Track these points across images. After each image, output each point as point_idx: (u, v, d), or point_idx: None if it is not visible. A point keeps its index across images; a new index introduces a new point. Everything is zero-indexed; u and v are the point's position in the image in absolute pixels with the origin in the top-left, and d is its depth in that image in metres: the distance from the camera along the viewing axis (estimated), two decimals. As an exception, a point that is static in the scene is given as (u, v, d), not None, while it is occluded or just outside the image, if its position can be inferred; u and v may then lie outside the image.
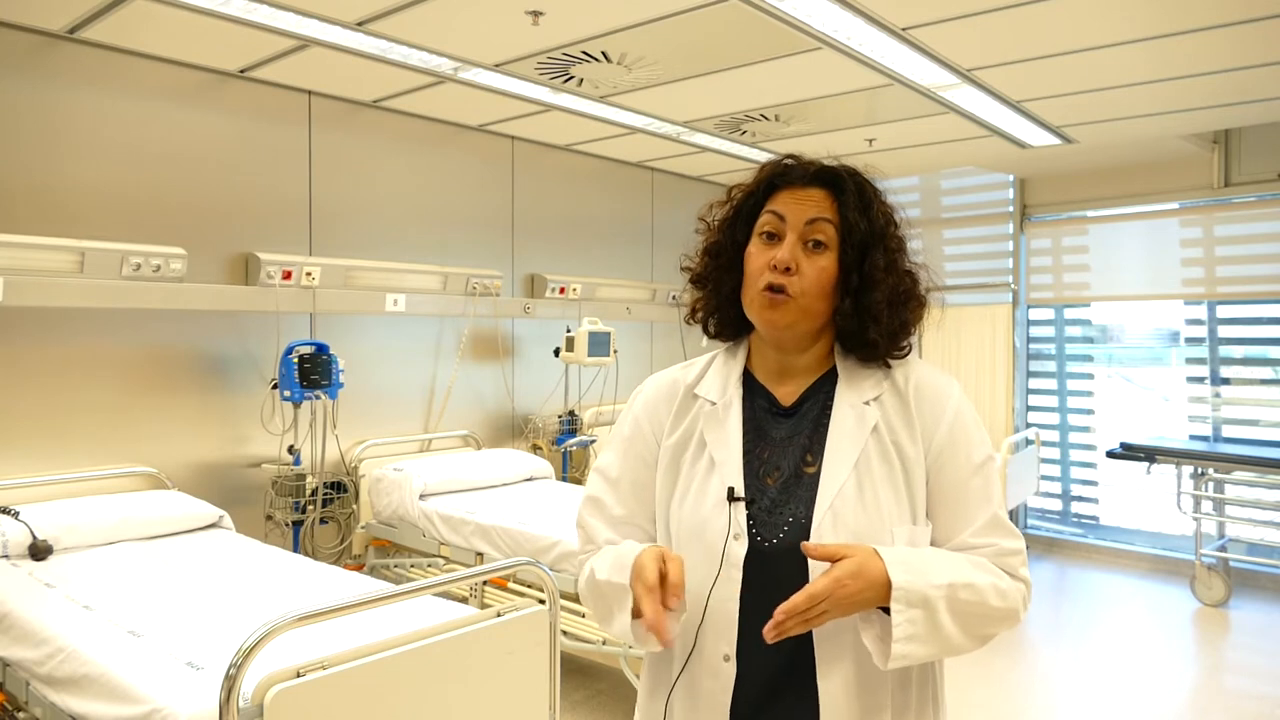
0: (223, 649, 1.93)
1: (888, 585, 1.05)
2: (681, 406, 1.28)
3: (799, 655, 1.12)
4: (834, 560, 1.06)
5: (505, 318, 4.85)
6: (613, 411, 5.22)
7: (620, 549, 1.22)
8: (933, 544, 1.17)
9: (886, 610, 1.07)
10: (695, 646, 1.17)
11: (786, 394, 1.25)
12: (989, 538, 1.17)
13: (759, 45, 3.25)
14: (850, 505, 1.14)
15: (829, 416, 1.21)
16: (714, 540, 1.16)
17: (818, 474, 1.17)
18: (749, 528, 1.16)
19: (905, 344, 1.24)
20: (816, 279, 1.18)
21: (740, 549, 1.15)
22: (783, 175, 1.23)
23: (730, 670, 1.14)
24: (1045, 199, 5.94)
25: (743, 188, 1.28)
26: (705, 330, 1.32)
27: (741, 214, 1.26)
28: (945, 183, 6.30)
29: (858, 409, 1.19)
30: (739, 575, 1.14)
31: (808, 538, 1.13)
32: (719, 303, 1.28)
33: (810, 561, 1.10)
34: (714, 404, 1.25)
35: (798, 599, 1.04)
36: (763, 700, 1.14)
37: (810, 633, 1.11)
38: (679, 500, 1.22)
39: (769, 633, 1.05)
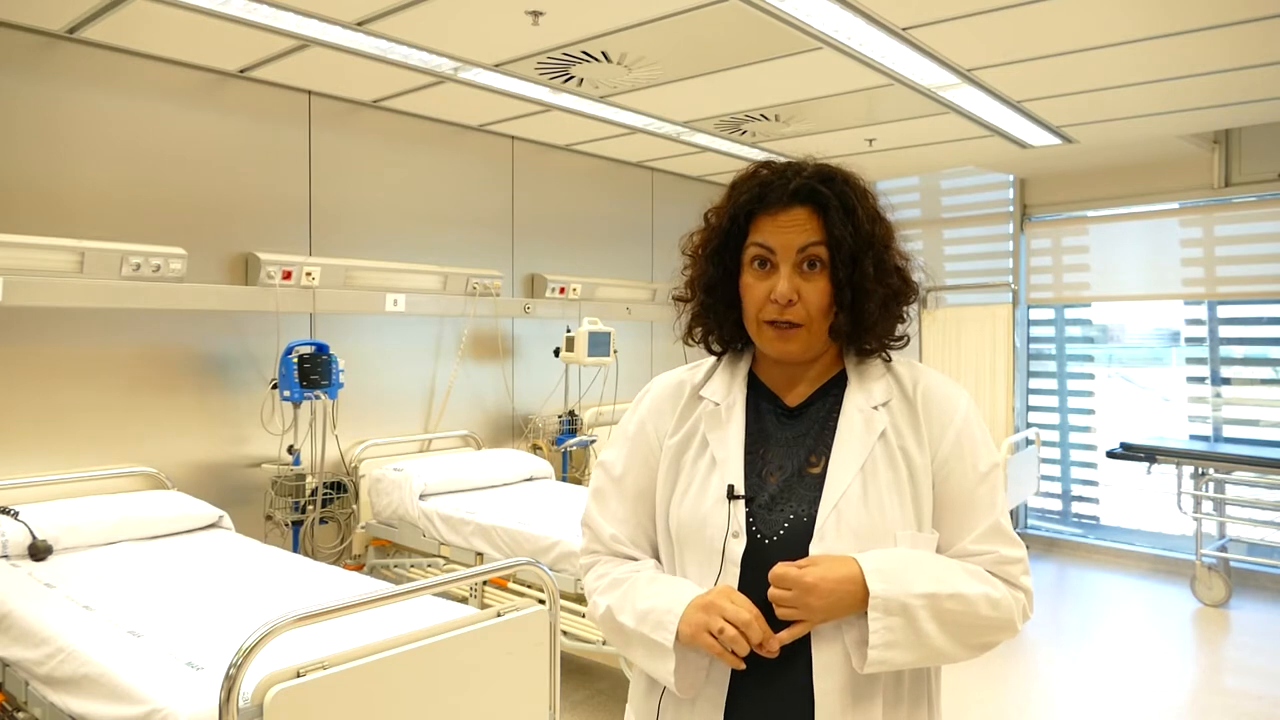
0: (223, 649, 1.93)
1: (867, 593, 1.08)
2: (686, 407, 1.29)
3: (793, 645, 1.13)
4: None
5: (505, 318, 4.85)
6: (613, 411, 5.22)
7: (643, 594, 1.19)
8: (937, 551, 1.18)
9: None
10: None
11: (793, 397, 1.26)
12: (988, 545, 1.17)
13: (759, 45, 3.25)
14: (854, 507, 1.14)
15: (836, 419, 1.21)
16: (713, 537, 1.17)
17: (822, 474, 1.17)
18: (748, 524, 1.17)
19: (902, 334, 1.25)
20: (818, 302, 1.18)
21: (739, 546, 1.16)
22: (760, 200, 1.20)
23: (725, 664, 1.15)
24: (1045, 199, 5.94)
25: (720, 212, 1.25)
26: (708, 349, 1.33)
27: (728, 244, 1.24)
28: (945, 183, 6.30)
29: (866, 413, 1.20)
30: (737, 571, 1.15)
31: (809, 536, 1.14)
32: (720, 325, 1.28)
33: (811, 555, 1.12)
34: (717, 405, 1.26)
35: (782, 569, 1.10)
36: (756, 689, 1.15)
37: None
38: (679, 498, 1.23)
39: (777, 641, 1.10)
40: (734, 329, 1.27)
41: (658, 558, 1.29)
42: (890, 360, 1.27)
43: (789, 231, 1.18)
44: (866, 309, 1.19)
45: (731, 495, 1.17)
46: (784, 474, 1.20)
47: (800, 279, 1.18)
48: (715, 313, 1.27)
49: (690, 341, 1.33)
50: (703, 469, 1.22)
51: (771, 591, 1.09)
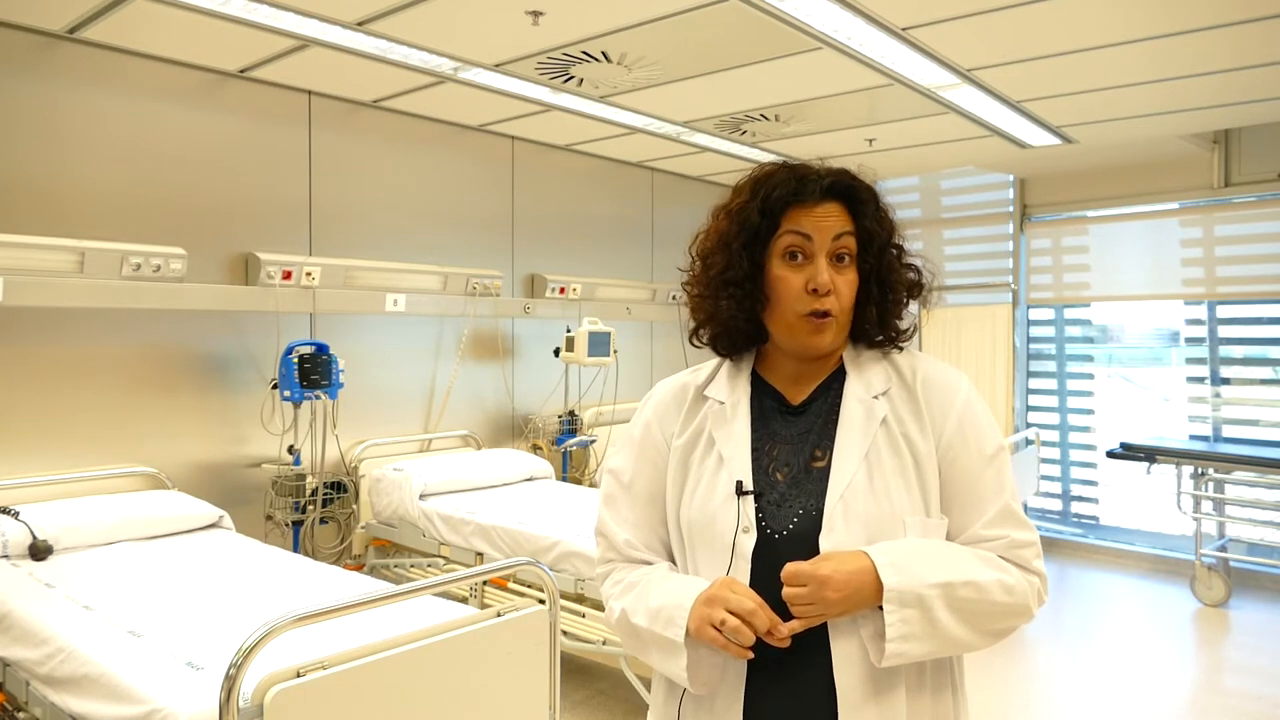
0: (223, 649, 1.93)
1: (880, 585, 1.07)
2: (691, 408, 1.30)
3: (811, 635, 1.12)
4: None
5: (505, 318, 4.85)
6: (613, 411, 5.22)
7: (655, 593, 1.19)
8: (948, 537, 1.17)
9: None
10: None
11: (796, 393, 1.27)
12: (1000, 529, 1.17)
13: (759, 45, 3.25)
14: (861, 496, 1.15)
15: (838, 412, 1.22)
16: (723, 533, 1.18)
17: (827, 467, 1.18)
18: (758, 520, 1.18)
19: (909, 326, 1.28)
20: (849, 294, 1.21)
21: (749, 541, 1.16)
22: (795, 194, 1.21)
23: (743, 660, 1.14)
24: (1045, 199, 5.94)
25: (747, 207, 1.24)
26: (716, 350, 1.33)
27: (759, 236, 1.23)
28: (945, 183, 6.30)
29: (866, 403, 1.21)
30: (748, 567, 1.16)
31: (819, 529, 1.14)
32: (742, 325, 1.26)
33: (821, 551, 1.12)
34: (722, 403, 1.27)
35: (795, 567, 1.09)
36: (775, 686, 1.15)
37: None
38: (688, 496, 1.24)
39: (785, 630, 1.09)
40: (751, 324, 1.26)
41: (673, 560, 1.29)
42: (897, 350, 1.28)
43: (824, 220, 1.20)
44: (893, 300, 1.23)
45: (740, 491, 1.18)
46: (791, 470, 1.20)
47: (833, 271, 1.20)
48: (743, 307, 1.25)
49: (698, 342, 1.33)
50: (710, 466, 1.23)
51: (786, 590, 1.08)
